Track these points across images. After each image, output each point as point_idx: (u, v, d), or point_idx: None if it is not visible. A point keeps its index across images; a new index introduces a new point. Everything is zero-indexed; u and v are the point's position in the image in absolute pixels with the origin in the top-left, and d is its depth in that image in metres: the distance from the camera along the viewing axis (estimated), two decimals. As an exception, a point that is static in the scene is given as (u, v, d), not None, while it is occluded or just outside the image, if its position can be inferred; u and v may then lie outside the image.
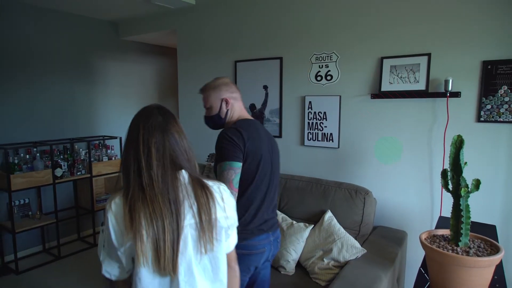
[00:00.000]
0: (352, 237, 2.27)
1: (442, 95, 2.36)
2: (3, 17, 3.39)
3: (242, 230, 1.61)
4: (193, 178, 1.12)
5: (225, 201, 1.16)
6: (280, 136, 3.21)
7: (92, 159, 3.86)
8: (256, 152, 1.67)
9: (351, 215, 2.44)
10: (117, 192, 1.09)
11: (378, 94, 2.64)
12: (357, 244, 2.22)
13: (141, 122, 1.10)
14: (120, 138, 4.10)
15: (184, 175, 1.10)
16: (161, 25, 3.95)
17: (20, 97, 3.57)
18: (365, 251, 2.19)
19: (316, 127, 2.98)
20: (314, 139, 3.01)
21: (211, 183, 1.16)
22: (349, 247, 2.21)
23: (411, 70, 2.51)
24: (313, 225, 2.39)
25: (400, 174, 2.64)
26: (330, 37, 2.85)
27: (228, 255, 1.22)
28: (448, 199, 1.43)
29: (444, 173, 1.45)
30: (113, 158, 4.02)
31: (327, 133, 2.93)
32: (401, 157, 2.62)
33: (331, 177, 2.91)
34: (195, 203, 1.08)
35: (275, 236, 1.78)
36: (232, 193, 1.42)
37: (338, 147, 2.90)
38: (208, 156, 3.32)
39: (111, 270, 1.13)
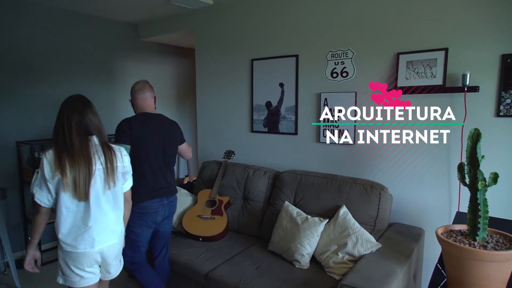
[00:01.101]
0: (367, 232, 2.26)
1: (460, 90, 2.34)
2: (26, 20, 3.54)
3: (136, 196, 2.12)
4: (102, 142, 1.80)
5: (122, 156, 1.86)
6: (295, 133, 3.23)
7: (112, 156, 3.96)
8: (141, 137, 2.25)
9: (367, 210, 2.44)
10: (49, 148, 1.72)
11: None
12: (372, 239, 2.22)
13: (66, 107, 1.77)
14: (139, 136, 4.20)
15: (94, 140, 1.78)
16: (179, 25, 4.04)
17: (46, 96, 3.72)
18: (380, 245, 2.18)
19: (332, 124, 2.99)
20: (330, 135, 3.01)
21: (114, 145, 1.86)
22: (364, 241, 2.20)
23: (427, 65, 2.49)
24: (327, 220, 2.40)
25: (417, 170, 2.61)
26: (345, 34, 2.86)
27: (125, 193, 1.92)
28: (466, 194, 1.41)
29: (460, 167, 1.44)
30: (132, 156, 4.12)
31: (343, 130, 2.93)
32: (418, 153, 2.60)
33: (346, 173, 2.90)
34: (103, 156, 1.76)
35: (169, 200, 2.39)
36: None
37: (354, 143, 2.89)
38: (225, 153, 3.38)
39: (41, 198, 1.70)
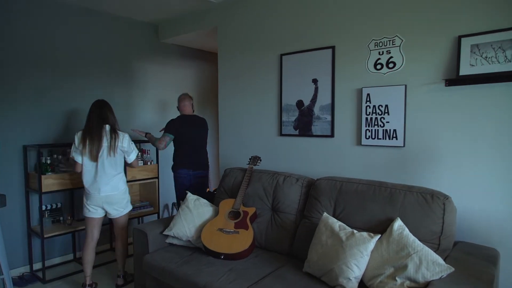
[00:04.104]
0: (432, 251, 1.79)
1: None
2: (43, 18, 3.32)
3: (175, 165, 3.46)
4: (112, 129, 2.82)
5: (123, 140, 2.83)
6: (331, 135, 2.81)
7: (126, 163, 3.66)
8: (181, 130, 3.37)
9: (428, 224, 1.97)
10: (80, 130, 2.82)
11: (455, 79, 2.19)
12: (440, 261, 1.74)
13: (92, 105, 2.86)
14: (156, 142, 3.87)
15: (106, 127, 2.80)
16: (201, 23, 3.74)
17: (59, 98, 3.45)
18: (453, 269, 1.70)
19: (376, 123, 2.56)
20: (373, 137, 2.58)
21: (120, 132, 2.84)
22: (430, 263, 1.73)
23: (499, 48, 2.05)
24: (379, 236, 1.94)
25: (483, 177, 2.14)
26: (391, 18, 2.46)
27: (132, 163, 3.00)
28: None
29: None
30: (148, 163, 3.78)
31: (390, 130, 2.50)
32: (485, 156, 2.13)
33: (394, 180, 2.45)
34: (109, 138, 2.78)
35: (195, 172, 3.46)
36: (160, 145, 3.30)
37: (404, 145, 2.45)
38: (250, 159, 2.98)
39: (76, 157, 2.77)
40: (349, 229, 2.05)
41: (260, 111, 3.29)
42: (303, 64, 2.96)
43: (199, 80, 4.85)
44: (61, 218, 3.41)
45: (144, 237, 2.56)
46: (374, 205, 2.15)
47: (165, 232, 2.59)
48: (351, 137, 2.72)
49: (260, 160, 2.97)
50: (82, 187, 3.28)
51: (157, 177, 3.82)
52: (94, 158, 2.73)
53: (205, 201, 2.77)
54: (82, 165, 2.77)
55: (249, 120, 3.38)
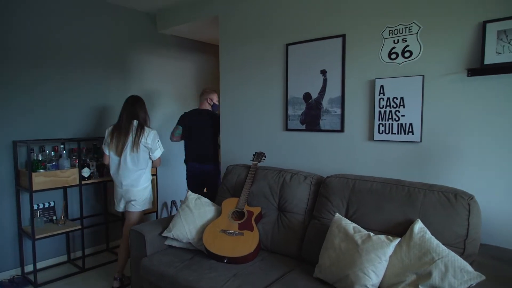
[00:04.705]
0: (459, 257, 1.62)
1: None
2: (36, 7, 3.12)
3: (185, 158, 3.55)
4: (140, 125, 2.84)
5: (147, 136, 2.82)
6: (341, 130, 2.63)
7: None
8: (185, 123, 3.48)
9: (451, 226, 1.80)
10: (111, 124, 2.97)
11: (479, 69, 2.02)
12: (469, 267, 1.57)
13: (125, 102, 2.94)
14: (155, 138, 3.69)
15: (134, 123, 2.84)
16: (201, 12, 3.55)
17: (50, 92, 3.26)
18: (483, 277, 1.54)
19: (391, 117, 2.38)
20: (387, 131, 2.40)
21: (146, 128, 2.86)
22: (457, 271, 1.56)
23: (529, 33, 1.87)
24: (399, 239, 1.77)
25: (509, 175, 1.97)
26: (408, 4, 2.28)
27: (154, 162, 2.95)
28: None
29: None
30: (146, 160, 3.60)
31: (405, 124, 2.32)
32: (511, 152, 1.96)
33: (410, 178, 2.28)
34: (135, 134, 2.80)
35: (204, 166, 3.45)
36: (172, 139, 3.49)
37: (420, 140, 2.27)
38: (254, 155, 2.81)
39: (105, 150, 2.90)
40: (364, 231, 1.87)
41: (264, 105, 3.11)
42: (310, 54, 2.78)
43: (200, 73, 4.66)
44: (54, 218, 3.24)
45: (141, 239, 2.39)
46: (391, 205, 1.98)
47: (164, 234, 2.42)
48: (362, 132, 2.54)
49: (265, 157, 2.80)
50: (76, 185, 3.13)
51: (155, 174, 3.64)
52: (119, 153, 2.82)
53: (206, 200, 2.60)
54: (109, 157, 2.89)
55: (253, 114, 3.20)
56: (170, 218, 2.62)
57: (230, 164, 3.07)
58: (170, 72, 4.29)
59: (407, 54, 2.31)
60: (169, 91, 4.28)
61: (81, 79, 3.47)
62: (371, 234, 1.83)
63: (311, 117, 2.79)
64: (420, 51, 2.26)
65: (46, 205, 3.24)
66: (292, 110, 2.91)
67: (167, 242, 2.46)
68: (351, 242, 1.84)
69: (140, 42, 3.95)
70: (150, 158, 2.91)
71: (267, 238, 2.39)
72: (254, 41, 3.13)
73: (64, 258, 3.43)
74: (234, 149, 3.36)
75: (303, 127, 2.85)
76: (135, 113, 2.85)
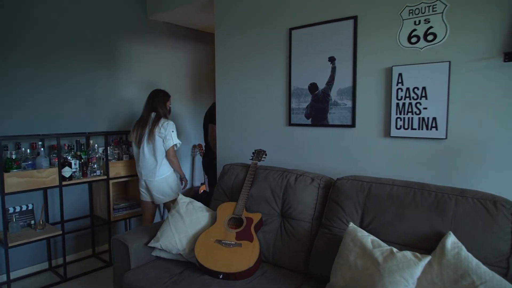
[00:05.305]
0: (507, 282, 1.33)
1: None
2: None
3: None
4: (157, 116, 2.93)
5: (162, 126, 2.87)
6: (352, 125, 2.33)
7: (110, 158, 3.15)
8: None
9: (491, 241, 1.50)
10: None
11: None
12: (520, 295, 1.28)
13: (149, 94, 3.06)
14: (145, 134, 3.37)
15: (152, 115, 2.94)
16: (195, -5, 3.22)
17: (28, 82, 2.94)
18: (539, 308, 1.24)
19: (410, 110, 2.08)
20: (406, 127, 2.10)
21: (162, 119, 2.92)
22: (505, 299, 1.27)
23: None
24: (429, 257, 1.47)
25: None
26: (433, -22, 1.97)
27: (167, 151, 2.92)
28: None
29: None
30: (135, 158, 3.29)
31: (428, 118, 2.02)
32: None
33: (432, 181, 1.98)
34: (151, 125, 2.89)
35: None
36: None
37: (446, 137, 1.97)
38: (253, 153, 2.50)
39: (132, 143, 3.09)
40: (385, 246, 1.57)
41: (264, 97, 2.80)
42: (317, 40, 2.46)
43: (194, 64, 4.33)
44: (33, 222, 2.93)
45: (124, 250, 2.08)
46: (415, 214, 1.68)
47: (151, 244, 2.11)
48: (377, 127, 2.24)
49: (266, 155, 2.49)
50: (55, 186, 2.82)
51: (146, 174, 3.33)
52: (138, 144, 2.93)
53: (199, 204, 2.29)
54: (132, 147, 3.07)
55: (252, 108, 2.89)
56: (159, 224, 2.31)
57: (227, 163, 2.76)
58: (162, 63, 3.96)
59: (430, 37, 2.00)
60: (161, 83, 3.96)
61: (63, 69, 3.14)
62: (394, 250, 1.53)
63: (318, 110, 2.49)
64: (445, 34, 1.95)
65: (24, 207, 2.93)
66: (296, 102, 2.60)
67: (154, 253, 2.16)
68: (370, 259, 1.54)
69: (128, 28, 3.62)
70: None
71: (269, 248, 2.09)
72: (253, 25, 2.81)
73: (45, 265, 3.13)
74: (231, 146, 3.05)
75: (309, 121, 2.54)
76: (154, 106, 2.95)
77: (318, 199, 2.08)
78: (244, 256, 1.92)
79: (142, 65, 3.77)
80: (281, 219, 2.16)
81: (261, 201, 2.22)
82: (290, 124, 2.65)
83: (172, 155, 2.93)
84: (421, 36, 2.03)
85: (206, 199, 2.98)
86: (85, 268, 3.15)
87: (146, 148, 2.89)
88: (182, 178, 3.15)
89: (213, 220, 2.19)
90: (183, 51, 4.17)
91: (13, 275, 2.89)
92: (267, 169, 2.35)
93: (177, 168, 3.01)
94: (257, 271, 1.95)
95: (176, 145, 2.93)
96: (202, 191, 4.16)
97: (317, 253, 1.91)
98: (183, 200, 2.27)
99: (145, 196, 3.03)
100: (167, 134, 2.86)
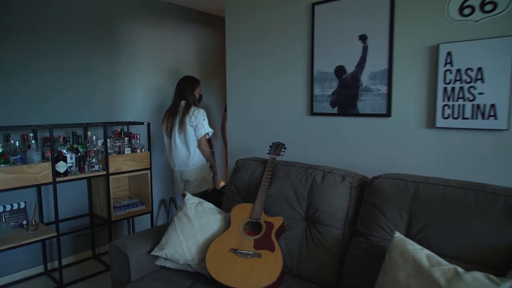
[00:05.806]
0: None
1: None
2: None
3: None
4: (187, 105, 2.85)
5: (193, 115, 2.81)
6: (388, 114, 2.00)
7: (110, 151, 2.85)
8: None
9: None
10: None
11: None
12: None
13: (179, 80, 2.97)
14: (149, 124, 3.06)
15: (182, 103, 2.87)
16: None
17: (20, 69, 2.64)
18: None
19: (462, 96, 1.74)
20: (456, 116, 1.77)
21: (193, 107, 2.85)
22: None
23: None
24: (509, 282, 1.15)
25: None
26: None
27: (198, 140, 2.86)
28: None
29: None
30: (138, 151, 2.99)
31: (485, 105, 1.69)
32: None
33: (490, 180, 1.65)
34: (181, 114, 2.83)
35: None
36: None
37: (507, 128, 1.64)
38: (271, 146, 2.18)
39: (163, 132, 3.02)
40: (447, 264, 1.25)
41: (282, 83, 2.47)
42: (345, 15, 2.12)
43: (203, 49, 4.00)
44: (25, 222, 2.66)
45: (124, 259, 1.79)
46: (480, 223, 1.36)
47: (155, 253, 1.82)
48: (418, 117, 1.91)
49: (285, 149, 2.18)
50: (49, 183, 2.52)
51: (149, 168, 3.04)
52: (169, 134, 2.90)
53: (210, 206, 1.99)
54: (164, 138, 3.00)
55: (267, 96, 2.56)
56: (164, 227, 2.02)
57: (240, 157, 2.44)
58: (168, 47, 3.64)
59: (488, 7, 1.66)
60: (166, 69, 3.64)
61: (59, 55, 2.84)
62: (459, 269, 1.21)
63: (346, 97, 2.16)
64: (509, 2, 1.60)
65: (15, 206, 2.66)
66: (320, 89, 2.27)
67: (158, 262, 1.86)
68: (429, 281, 1.22)
69: (131, 10, 3.29)
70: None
71: (292, 258, 1.78)
72: (270, 4, 2.47)
73: (40, 268, 2.86)
74: (244, 138, 2.74)
75: (335, 110, 2.21)
76: (182, 93, 2.88)
77: (350, 201, 1.76)
78: (265, 269, 1.62)
79: (145, 49, 3.45)
80: (306, 223, 1.85)
81: (282, 203, 1.91)
82: (312, 113, 2.32)
83: (204, 144, 2.88)
84: (477, 6, 1.69)
85: (216, 198, 2.67)
86: (84, 272, 2.88)
87: (177, 138, 2.85)
88: (212, 167, 3.09)
89: (227, 224, 1.89)
90: (190, 35, 3.85)
91: (5, 280, 2.63)
92: (288, 164, 2.04)
93: (208, 157, 2.98)
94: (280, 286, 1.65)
95: (208, 133, 2.89)
96: (222, 184, 3.84)
97: (351, 265, 1.60)
98: (191, 200, 1.97)
99: (181, 188, 3.01)
100: (198, 123, 2.81)
